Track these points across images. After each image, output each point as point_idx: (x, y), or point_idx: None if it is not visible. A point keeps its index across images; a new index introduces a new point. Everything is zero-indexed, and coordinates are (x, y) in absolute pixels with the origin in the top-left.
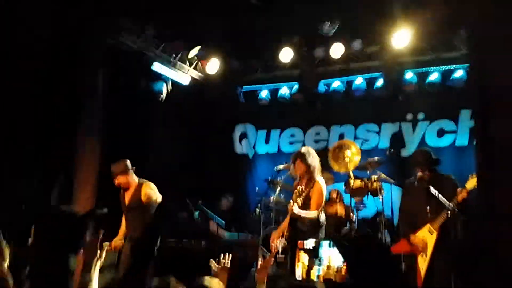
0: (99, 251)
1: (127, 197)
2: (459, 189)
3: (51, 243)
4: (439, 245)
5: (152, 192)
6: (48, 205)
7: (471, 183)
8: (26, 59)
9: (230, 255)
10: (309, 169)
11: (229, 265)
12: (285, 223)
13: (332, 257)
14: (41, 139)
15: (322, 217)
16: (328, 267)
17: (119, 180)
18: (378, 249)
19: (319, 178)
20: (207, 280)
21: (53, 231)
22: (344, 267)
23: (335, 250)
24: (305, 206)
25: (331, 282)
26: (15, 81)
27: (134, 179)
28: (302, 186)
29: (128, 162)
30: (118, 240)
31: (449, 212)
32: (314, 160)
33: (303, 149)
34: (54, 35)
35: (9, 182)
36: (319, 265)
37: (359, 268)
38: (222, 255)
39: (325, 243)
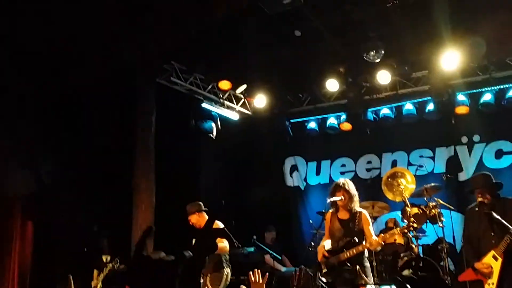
0: None
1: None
2: None
3: None
4: (505, 270)
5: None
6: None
7: None
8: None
9: (259, 270)
10: (351, 199)
11: (261, 281)
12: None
13: None
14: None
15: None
16: None
17: (192, 219)
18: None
19: (362, 209)
20: None
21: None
22: None
23: None
24: (359, 237)
25: None
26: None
27: (205, 219)
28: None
29: (201, 203)
30: None
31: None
32: (354, 189)
33: (341, 180)
34: (111, 75)
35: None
36: None
37: None
38: (252, 271)
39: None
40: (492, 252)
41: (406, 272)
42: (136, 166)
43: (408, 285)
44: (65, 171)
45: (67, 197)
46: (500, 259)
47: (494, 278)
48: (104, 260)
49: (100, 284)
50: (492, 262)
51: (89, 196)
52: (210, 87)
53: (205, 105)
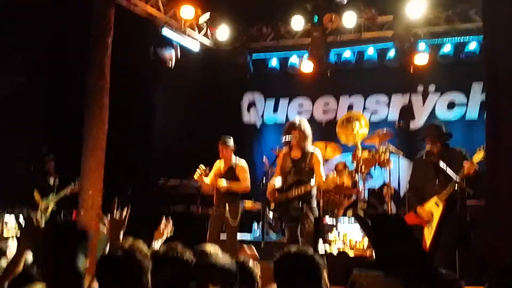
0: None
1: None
2: (465, 162)
3: None
4: (444, 217)
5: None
6: None
7: (478, 156)
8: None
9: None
10: (305, 139)
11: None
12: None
13: (349, 232)
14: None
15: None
16: (344, 242)
17: (220, 150)
18: (397, 224)
19: (314, 149)
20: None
21: None
22: (363, 242)
23: (354, 226)
24: (308, 176)
25: (347, 256)
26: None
27: (230, 154)
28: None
29: (231, 139)
30: None
31: (455, 185)
32: (309, 129)
33: (297, 119)
34: None
35: None
36: (338, 239)
37: (382, 243)
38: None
39: (344, 219)
40: (435, 199)
41: (349, 213)
42: (89, 88)
43: (368, 220)
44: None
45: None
46: (441, 205)
47: (434, 224)
48: (51, 182)
49: (52, 205)
50: (433, 208)
51: (39, 116)
52: (171, 12)
53: (165, 31)
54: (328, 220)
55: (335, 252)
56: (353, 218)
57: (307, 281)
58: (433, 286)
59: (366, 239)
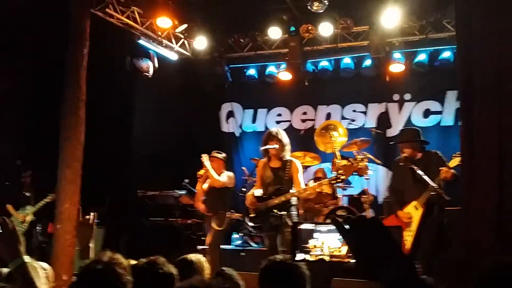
0: None
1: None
2: (442, 169)
3: None
4: (424, 220)
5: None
6: None
7: (454, 162)
8: (13, 31)
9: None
10: (283, 148)
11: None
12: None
13: (327, 239)
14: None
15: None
16: (322, 249)
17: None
18: (375, 226)
19: (293, 158)
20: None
21: None
22: (340, 248)
23: (333, 233)
24: (287, 185)
25: (324, 262)
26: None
27: (219, 164)
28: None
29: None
30: None
31: (433, 190)
32: (286, 139)
33: (274, 130)
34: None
35: None
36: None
37: (360, 247)
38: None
39: (322, 227)
40: (414, 202)
41: (329, 220)
42: (66, 99)
43: (344, 225)
44: None
45: None
46: (420, 209)
47: (414, 226)
48: (28, 194)
49: (31, 216)
50: (413, 211)
51: (14, 129)
52: (148, 23)
53: (142, 41)
54: (305, 227)
55: (311, 259)
56: (330, 223)
57: None
58: None
59: (345, 246)
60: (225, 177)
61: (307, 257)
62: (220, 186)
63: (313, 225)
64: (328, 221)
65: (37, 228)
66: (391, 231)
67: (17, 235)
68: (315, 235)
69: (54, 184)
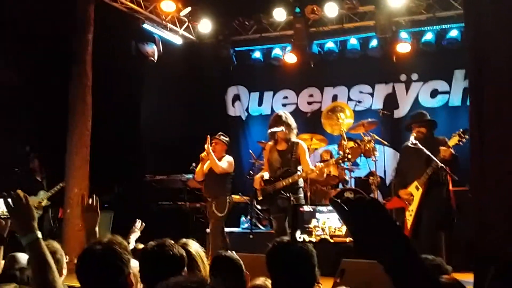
0: None
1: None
2: (441, 148)
3: None
4: (424, 200)
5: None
6: None
7: (453, 140)
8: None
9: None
10: (290, 131)
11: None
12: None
13: (328, 219)
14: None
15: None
16: (323, 229)
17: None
18: (374, 207)
19: (299, 140)
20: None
21: None
22: (341, 228)
23: (333, 213)
24: (295, 167)
25: (327, 242)
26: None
27: (222, 147)
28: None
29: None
30: None
31: (433, 169)
32: (293, 121)
33: (281, 112)
34: None
35: None
36: (317, 227)
37: (360, 229)
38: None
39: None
40: (415, 183)
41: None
42: (72, 86)
43: (345, 206)
44: None
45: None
46: (421, 189)
47: (414, 206)
48: (40, 179)
49: (45, 202)
50: (414, 191)
51: (22, 116)
52: (152, 7)
53: (146, 26)
54: (307, 208)
55: (313, 240)
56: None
57: (300, 271)
58: (416, 273)
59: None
60: (225, 163)
61: (308, 237)
62: (220, 172)
63: (314, 206)
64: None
65: (50, 213)
66: (396, 213)
67: (31, 210)
68: (316, 215)
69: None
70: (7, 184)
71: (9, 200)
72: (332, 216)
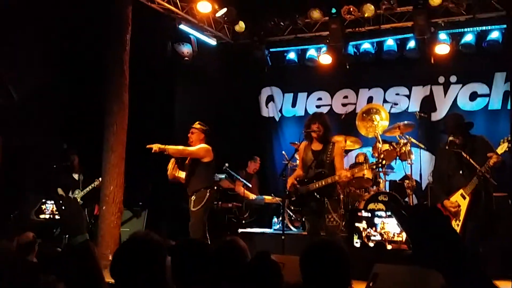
0: None
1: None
2: (491, 154)
3: None
4: (471, 209)
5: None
6: None
7: (502, 148)
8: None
9: None
10: (326, 131)
11: None
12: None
13: (386, 225)
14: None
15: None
16: (381, 234)
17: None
18: (435, 215)
19: (335, 142)
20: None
21: None
22: (400, 234)
23: (391, 219)
24: (329, 169)
25: (384, 248)
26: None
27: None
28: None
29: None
30: None
31: (480, 177)
32: (329, 122)
33: (318, 112)
34: None
35: None
36: (374, 231)
37: (419, 236)
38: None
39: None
40: (461, 191)
41: (371, 206)
42: (110, 85)
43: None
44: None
45: (37, 113)
46: (468, 198)
47: (461, 216)
48: (77, 178)
49: (79, 201)
50: (460, 200)
51: (60, 113)
52: (188, 8)
53: (182, 26)
54: (364, 213)
55: (371, 245)
56: (389, 210)
57: (335, 272)
58: (477, 284)
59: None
60: (197, 148)
61: (363, 242)
62: (189, 155)
63: (370, 212)
64: (371, 207)
65: (86, 211)
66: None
67: (82, 212)
68: (375, 220)
69: (100, 167)
70: (45, 181)
71: (61, 201)
72: (390, 221)
